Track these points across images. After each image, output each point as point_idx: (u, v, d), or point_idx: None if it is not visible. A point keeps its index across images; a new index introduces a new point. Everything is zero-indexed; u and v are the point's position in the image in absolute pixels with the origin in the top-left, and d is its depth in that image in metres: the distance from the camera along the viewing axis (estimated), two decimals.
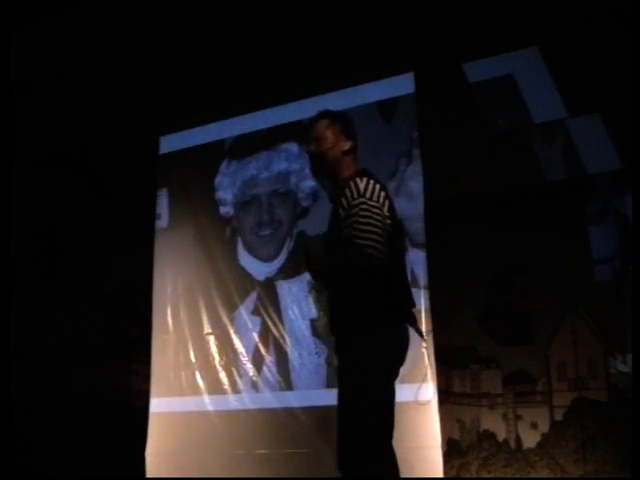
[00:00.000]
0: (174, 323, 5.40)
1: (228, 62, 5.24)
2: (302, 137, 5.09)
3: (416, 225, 4.55)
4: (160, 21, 5.19)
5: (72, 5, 5.09)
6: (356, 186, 2.70)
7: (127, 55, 5.34)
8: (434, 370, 4.32)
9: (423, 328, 4.28)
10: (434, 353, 4.32)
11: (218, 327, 5.24)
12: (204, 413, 5.13)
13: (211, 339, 5.25)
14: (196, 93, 5.36)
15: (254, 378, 5.03)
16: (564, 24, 4.30)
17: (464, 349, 4.50)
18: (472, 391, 4.44)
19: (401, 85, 4.83)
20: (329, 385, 4.60)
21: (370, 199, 2.67)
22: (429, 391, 4.29)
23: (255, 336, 5.09)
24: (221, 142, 5.58)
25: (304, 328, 4.91)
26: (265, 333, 5.06)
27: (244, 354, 5.10)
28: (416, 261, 4.50)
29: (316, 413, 4.62)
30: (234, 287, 5.25)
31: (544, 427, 4.19)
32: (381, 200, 2.71)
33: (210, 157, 5.57)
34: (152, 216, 5.64)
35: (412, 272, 4.47)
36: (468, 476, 4.33)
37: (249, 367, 5.07)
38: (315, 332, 4.82)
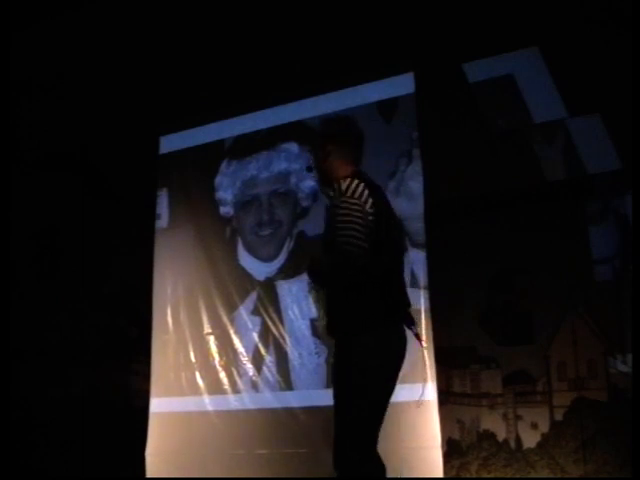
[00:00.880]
0: (174, 323, 5.40)
1: (228, 62, 5.24)
2: (302, 137, 5.13)
3: (416, 225, 4.55)
4: (160, 21, 5.19)
5: (72, 5, 5.09)
6: (339, 187, 2.80)
7: (127, 55, 5.34)
8: (434, 370, 4.32)
9: (423, 328, 4.29)
10: (434, 353, 4.31)
11: (218, 327, 5.24)
12: (204, 413, 5.13)
13: (211, 339, 5.25)
14: (196, 93, 5.36)
15: (254, 378, 5.03)
16: (564, 24, 4.30)
17: (464, 349, 4.50)
18: (472, 391, 4.44)
19: (401, 85, 4.83)
20: (329, 385, 4.57)
21: (351, 197, 2.75)
22: (429, 391, 4.29)
23: (255, 336, 5.09)
24: (221, 142, 5.58)
25: (304, 328, 4.91)
26: (265, 333, 5.06)
27: (244, 354, 5.10)
28: (416, 261, 4.50)
29: (316, 413, 4.62)
30: (234, 287, 5.24)
31: (544, 427, 4.19)
32: (363, 197, 2.77)
33: (210, 157, 5.57)
34: (152, 216, 5.64)
35: (412, 272, 4.47)
36: (468, 476, 4.33)
37: (249, 367, 5.06)
38: (315, 332, 4.82)
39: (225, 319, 5.22)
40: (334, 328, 2.86)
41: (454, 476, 4.34)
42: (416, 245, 4.54)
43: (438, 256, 4.49)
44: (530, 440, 4.21)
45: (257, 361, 5.05)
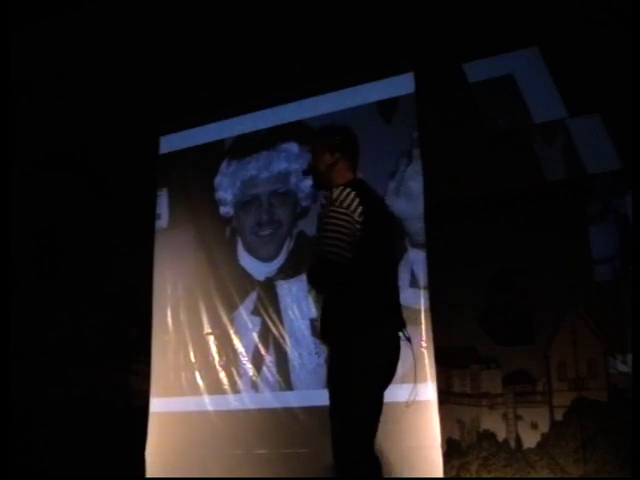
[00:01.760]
0: (174, 323, 5.40)
1: (228, 62, 5.24)
2: (302, 137, 5.13)
3: (416, 225, 4.55)
4: (160, 21, 5.19)
5: (72, 5, 5.09)
6: (330, 196, 2.88)
7: (127, 55, 5.34)
8: (434, 370, 4.32)
9: (423, 328, 4.29)
10: (434, 353, 4.31)
11: (218, 327, 5.24)
12: (204, 413, 5.13)
13: (211, 339, 5.25)
14: (196, 93, 5.36)
15: (254, 378, 5.03)
16: (564, 24, 4.30)
17: (464, 349, 4.50)
18: (472, 391, 4.44)
19: (401, 85, 4.83)
20: None
21: (340, 206, 2.81)
22: (429, 391, 4.29)
23: (255, 336, 5.09)
24: (221, 142, 5.58)
25: (304, 328, 4.91)
26: (265, 333, 5.06)
27: (244, 354, 5.10)
28: (416, 261, 4.51)
29: (316, 413, 4.62)
30: (234, 287, 5.25)
31: (544, 427, 4.19)
32: (352, 207, 2.82)
33: (210, 157, 5.57)
34: (152, 216, 5.64)
35: (412, 272, 4.47)
36: (468, 476, 4.33)
37: (249, 367, 5.07)
38: (315, 332, 4.81)
39: (225, 319, 5.22)
40: (330, 329, 2.88)
41: (454, 476, 4.34)
42: (416, 245, 4.54)
43: (438, 256, 4.49)
44: (530, 440, 4.21)
45: (257, 361, 5.05)
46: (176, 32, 5.20)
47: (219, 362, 5.17)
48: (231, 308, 5.22)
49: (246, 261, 5.28)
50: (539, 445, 4.18)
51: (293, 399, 4.87)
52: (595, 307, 4.18)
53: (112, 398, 5.46)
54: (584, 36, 4.26)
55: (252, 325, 5.12)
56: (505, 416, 4.30)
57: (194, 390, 5.21)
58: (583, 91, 4.27)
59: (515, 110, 4.51)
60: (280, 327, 5.00)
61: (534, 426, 4.22)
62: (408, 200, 4.61)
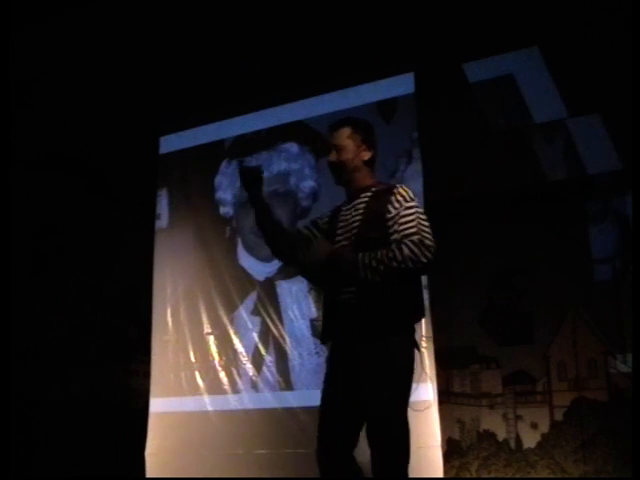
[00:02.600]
0: (174, 323, 5.40)
1: (228, 62, 5.24)
2: (302, 137, 5.13)
3: None
4: (160, 21, 5.18)
5: (72, 4, 5.08)
6: (406, 192, 2.80)
7: (127, 55, 5.33)
8: (434, 370, 4.32)
9: (423, 329, 4.29)
10: (434, 353, 4.31)
11: (218, 327, 5.23)
12: (204, 413, 5.12)
13: (211, 339, 5.24)
14: (196, 93, 5.36)
15: (254, 378, 5.03)
16: (564, 24, 4.30)
17: (464, 349, 4.50)
18: (472, 391, 4.44)
19: (401, 85, 4.83)
20: None
21: (418, 204, 2.82)
22: (429, 391, 4.29)
23: (255, 336, 5.09)
24: (221, 142, 5.57)
25: (304, 328, 4.91)
26: (265, 333, 5.06)
27: (244, 354, 5.10)
28: None
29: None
30: (234, 287, 5.24)
31: (544, 427, 4.19)
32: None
33: (210, 157, 5.57)
34: (152, 216, 5.64)
35: None
36: (468, 476, 4.33)
37: (249, 367, 5.06)
38: (315, 332, 4.81)
39: (225, 319, 5.22)
40: (370, 327, 2.70)
41: (454, 476, 4.34)
42: None
43: (438, 256, 4.48)
44: (530, 440, 4.21)
45: (257, 361, 5.04)
46: (176, 32, 5.19)
47: (219, 362, 5.17)
48: (231, 308, 5.22)
49: (246, 261, 5.28)
50: (539, 445, 4.18)
51: (293, 399, 4.87)
52: (595, 307, 4.18)
53: (112, 398, 5.46)
54: (584, 36, 4.26)
55: (252, 325, 5.12)
56: (505, 416, 4.31)
57: (194, 390, 5.21)
58: (583, 91, 4.27)
59: (515, 110, 4.51)
60: (280, 327, 5.00)
61: (534, 426, 4.22)
62: None
